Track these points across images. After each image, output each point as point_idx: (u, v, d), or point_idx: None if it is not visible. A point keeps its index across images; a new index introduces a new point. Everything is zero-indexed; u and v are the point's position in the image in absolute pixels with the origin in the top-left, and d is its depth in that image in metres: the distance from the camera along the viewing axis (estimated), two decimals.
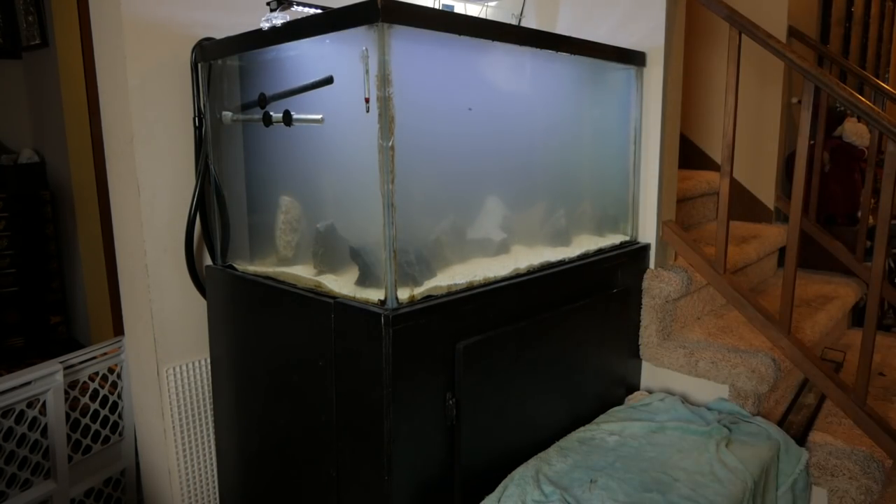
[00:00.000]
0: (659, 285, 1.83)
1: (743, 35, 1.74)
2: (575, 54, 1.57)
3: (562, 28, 2.04)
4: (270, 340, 1.45)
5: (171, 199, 1.60)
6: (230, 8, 1.63)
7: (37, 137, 3.49)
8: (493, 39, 1.37)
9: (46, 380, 1.57)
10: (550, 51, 1.52)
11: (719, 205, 1.83)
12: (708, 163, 2.95)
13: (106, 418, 1.77)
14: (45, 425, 1.59)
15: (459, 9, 2.11)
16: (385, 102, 1.13)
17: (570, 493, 1.32)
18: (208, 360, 1.68)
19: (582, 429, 1.61)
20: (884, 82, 3.19)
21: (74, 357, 1.67)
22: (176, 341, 1.66)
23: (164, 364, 1.65)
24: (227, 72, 1.55)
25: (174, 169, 1.60)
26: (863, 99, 1.66)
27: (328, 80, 1.28)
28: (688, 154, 2.87)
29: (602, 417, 1.68)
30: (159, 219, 1.59)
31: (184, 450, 1.70)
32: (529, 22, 2.11)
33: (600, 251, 1.72)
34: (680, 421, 1.63)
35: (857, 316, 2.68)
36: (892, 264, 2.92)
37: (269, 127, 1.41)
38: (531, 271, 1.50)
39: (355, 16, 1.14)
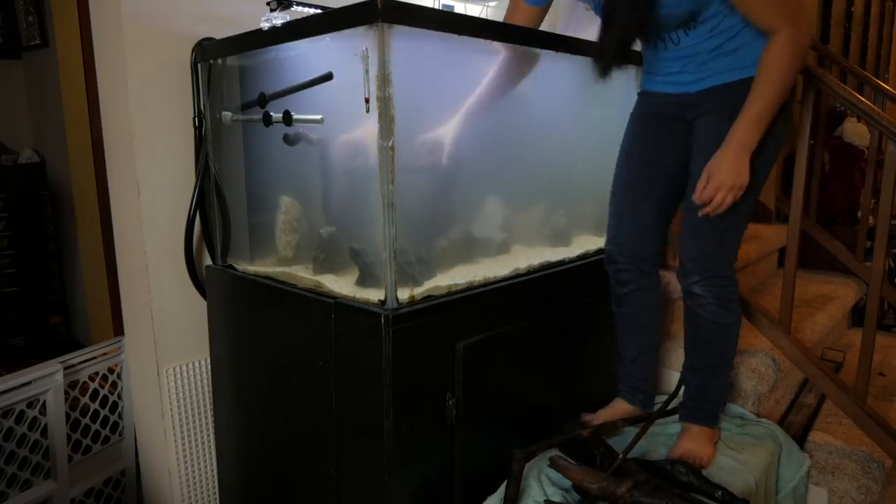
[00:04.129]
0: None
1: None
2: (575, 54, 1.57)
3: (562, 28, 2.04)
4: (270, 340, 1.45)
5: (171, 199, 1.60)
6: (230, 8, 1.63)
7: (37, 137, 3.49)
8: (493, 39, 1.37)
9: (46, 380, 1.57)
10: (550, 51, 1.52)
11: None
12: None
13: (106, 418, 1.76)
14: (45, 425, 1.59)
15: (459, 9, 2.12)
16: (385, 102, 1.13)
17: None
18: (208, 360, 1.68)
19: None
20: (884, 82, 3.19)
21: (74, 357, 1.66)
22: (176, 341, 1.66)
23: (164, 364, 1.65)
24: (227, 72, 1.54)
25: (174, 169, 1.60)
26: (863, 99, 1.66)
27: (328, 77, 1.28)
28: None
29: None
30: (159, 219, 1.59)
31: (184, 450, 1.70)
32: None
33: (600, 251, 1.72)
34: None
35: (857, 316, 2.68)
36: (892, 264, 2.92)
37: (269, 127, 1.41)
38: (531, 271, 1.50)
39: (355, 16, 1.14)
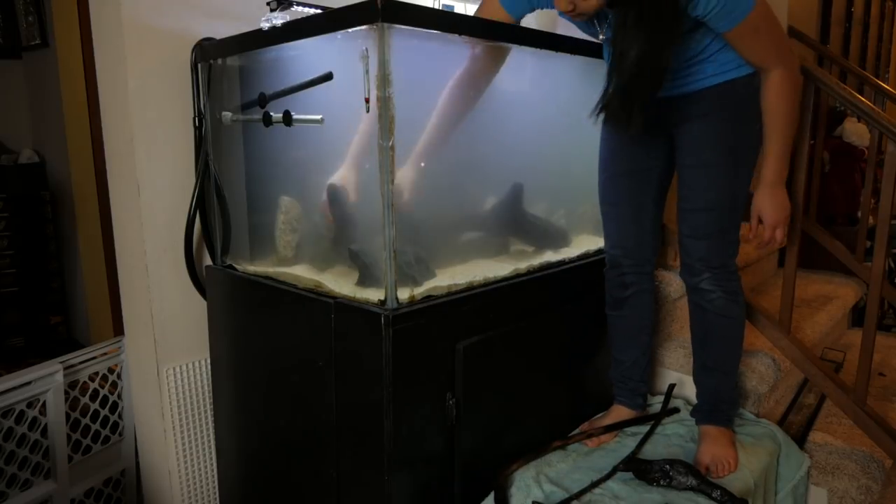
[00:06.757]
0: (659, 285, 1.83)
1: None
2: (575, 54, 1.57)
3: (562, 28, 2.04)
4: (270, 341, 1.45)
5: (171, 199, 1.60)
6: (230, 8, 1.63)
7: (37, 137, 3.49)
8: (494, 39, 1.37)
9: (46, 380, 1.57)
10: (550, 51, 1.52)
11: None
12: None
13: (106, 418, 1.76)
14: (45, 425, 1.59)
15: (459, 9, 2.12)
16: (385, 102, 1.13)
17: (571, 493, 1.31)
18: (208, 360, 1.68)
19: None
20: (884, 82, 3.19)
21: (74, 357, 1.66)
22: (176, 341, 1.66)
23: (164, 364, 1.65)
24: (227, 72, 1.55)
25: (174, 169, 1.60)
26: (863, 99, 1.66)
27: (328, 77, 1.28)
28: None
29: None
30: (159, 219, 1.59)
31: (184, 450, 1.70)
32: (529, 22, 2.11)
33: (600, 251, 1.72)
34: (681, 423, 1.63)
35: (857, 316, 2.68)
36: (892, 264, 2.92)
37: (269, 127, 1.41)
38: (531, 271, 1.50)
39: (355, 16, 1.14)
